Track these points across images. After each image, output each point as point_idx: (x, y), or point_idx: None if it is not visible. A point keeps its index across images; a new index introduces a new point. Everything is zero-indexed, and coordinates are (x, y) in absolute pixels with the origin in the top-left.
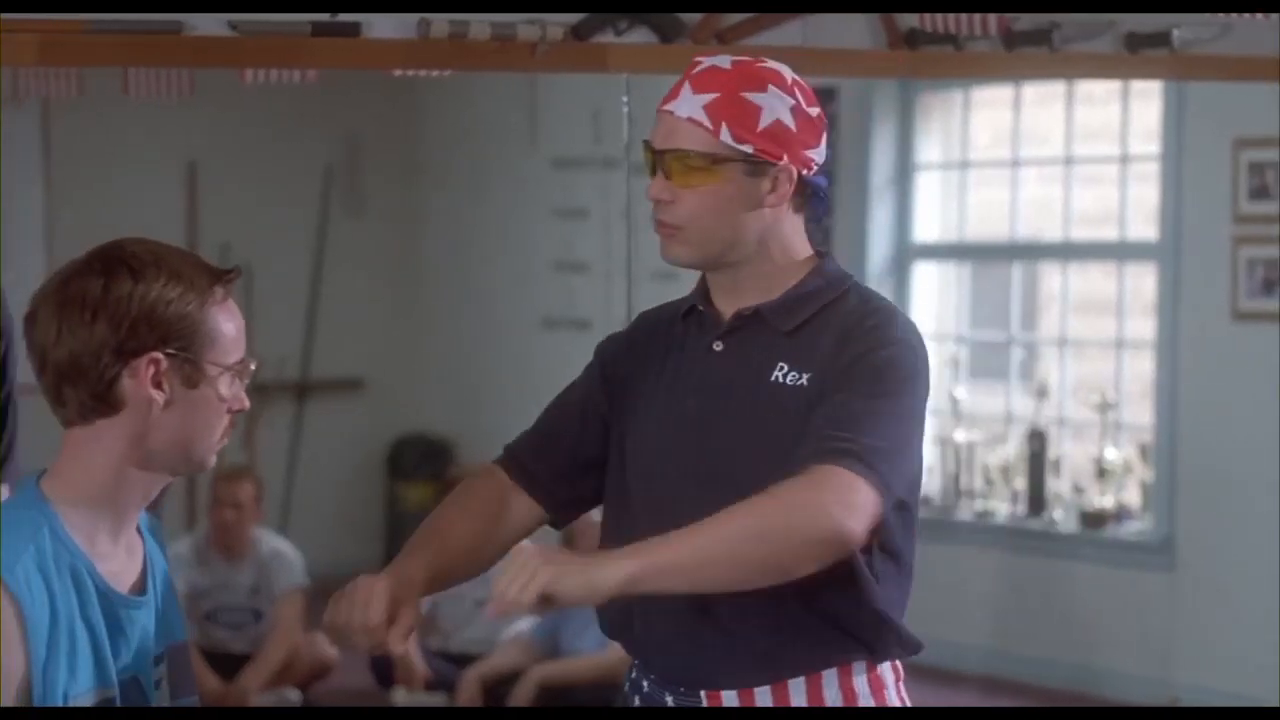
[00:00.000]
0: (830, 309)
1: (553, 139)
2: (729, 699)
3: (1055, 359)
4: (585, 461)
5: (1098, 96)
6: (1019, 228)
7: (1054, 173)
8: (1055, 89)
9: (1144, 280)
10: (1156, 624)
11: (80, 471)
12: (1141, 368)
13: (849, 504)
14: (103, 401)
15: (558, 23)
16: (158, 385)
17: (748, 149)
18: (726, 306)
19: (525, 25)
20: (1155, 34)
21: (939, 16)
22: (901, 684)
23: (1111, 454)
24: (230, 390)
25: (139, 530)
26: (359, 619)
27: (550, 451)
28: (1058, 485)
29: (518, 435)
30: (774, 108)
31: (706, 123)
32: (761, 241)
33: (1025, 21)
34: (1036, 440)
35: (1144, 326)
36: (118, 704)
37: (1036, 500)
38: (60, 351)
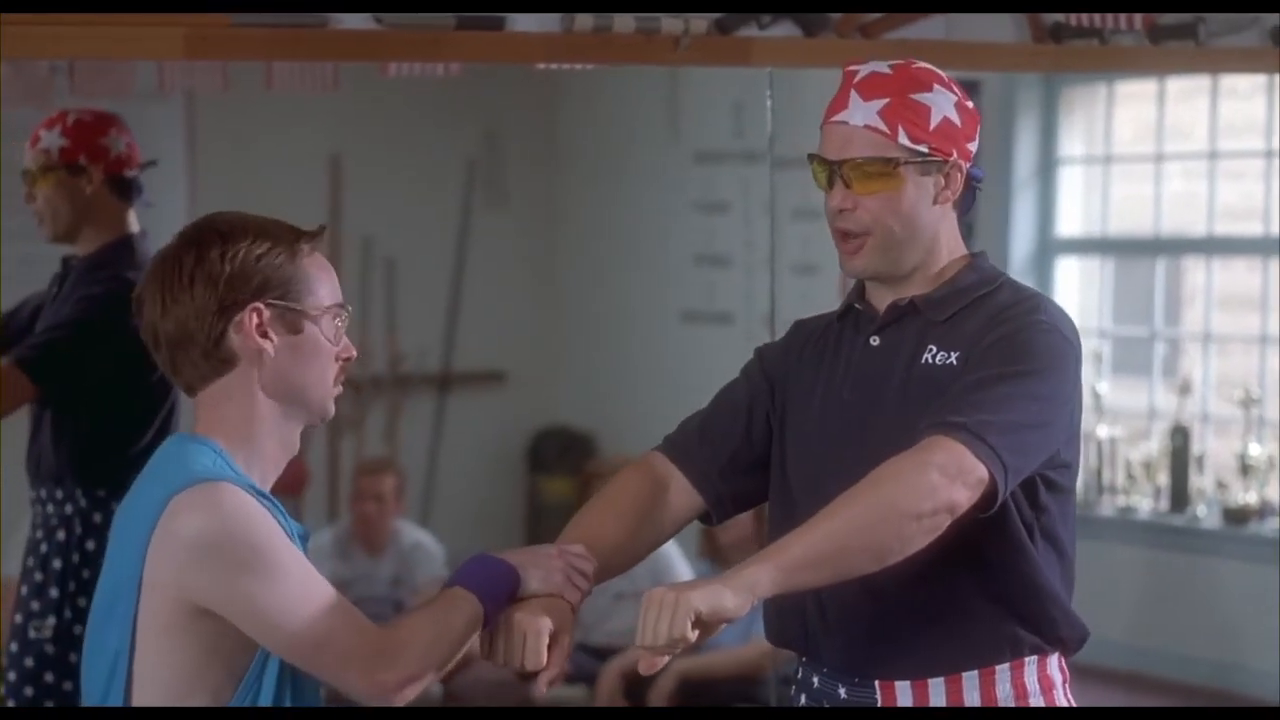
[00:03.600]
0: (984, 300)
1: (694, 133)
2: (902, 689)
3: (1199, 354)
4: (747, 460)
5: (1242, 90)
6: (1162, 223)
7: (1198, 167)
8: (1199, 83)
9: None
10: None
11: (219, 425)
12: None
13: (951, 470)
14: (214, 359)
15: (701, 16)
16: (264, 335)
17: (923, 149)
18: (883, 303)
19: (669, 19)
20: None
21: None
22: (1068, 685)
23: (1255, 450)
24: (334, 334)
25: None
26: (516, 661)
27: (714, 443)
28: (1200, 481)
29: (676, 427)
30: (941, 105)
31: (883, 128)
32: (933, 239)
33: (1170, 16)
34: (1179, 436)
35: None
36: None
37: (1179, 496)
38: (168, 323)
